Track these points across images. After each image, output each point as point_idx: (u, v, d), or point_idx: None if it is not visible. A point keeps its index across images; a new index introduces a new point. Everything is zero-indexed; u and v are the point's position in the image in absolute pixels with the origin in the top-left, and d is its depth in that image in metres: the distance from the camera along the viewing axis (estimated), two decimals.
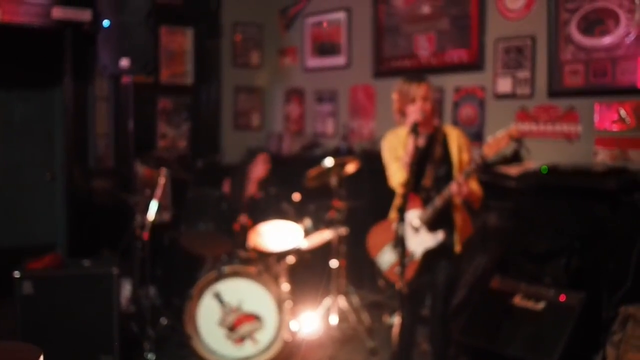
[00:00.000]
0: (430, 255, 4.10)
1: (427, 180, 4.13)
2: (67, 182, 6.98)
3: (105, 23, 6.44)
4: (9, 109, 7.15)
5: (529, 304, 4.58)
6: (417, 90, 4.06)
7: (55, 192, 7.34)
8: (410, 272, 4.08)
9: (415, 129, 3.95)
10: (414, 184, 4.12)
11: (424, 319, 4.55)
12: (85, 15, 6.49)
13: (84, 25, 6.54)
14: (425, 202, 4.08)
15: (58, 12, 6.38)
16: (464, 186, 3.89)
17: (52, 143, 7.34)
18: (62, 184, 7.21)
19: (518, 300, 4.65)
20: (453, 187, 3.91)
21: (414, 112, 4.00)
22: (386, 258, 4.26)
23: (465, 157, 4.13)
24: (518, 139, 3.92)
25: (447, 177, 4.05)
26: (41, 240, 7.14)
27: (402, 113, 4.15)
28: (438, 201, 4.00)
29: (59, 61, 6.79)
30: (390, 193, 4.35)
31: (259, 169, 5.86)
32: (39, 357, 1.86)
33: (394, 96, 4.21)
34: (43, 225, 7.36)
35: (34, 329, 4.66)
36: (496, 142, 3.84)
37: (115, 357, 4.84)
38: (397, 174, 4.18)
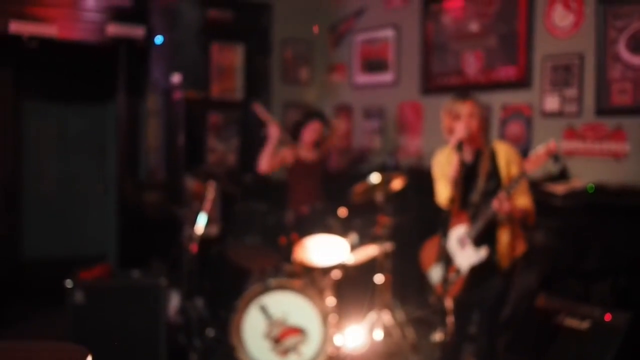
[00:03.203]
0: (477, 271, 4.10)
1: (475, 196, 4.14)
2: (119, 194, 7.11)
3: (158, 40, 6.58)
4: (64, 123, 7.34)
5: (574, 323, 4.53)
6: (462, 108, 4.09)
7: (107, 204, 7.50)
8: (457, 288, 4.10)
9: (459, 147, 3.98)
10: (461, 200, 4.15)
11: (470, 336, 4.55)
12: (138, 32, 6.64)
13: (137, 42, 6.68)
14: (473, 218, 4.09)
15: (112, 29, 6.53)
16: (505, 202, 3.88)
17: (105, 156, 7.51)
18: (113, 196, 7.35)
19: (563, 319, 4.61)
20: (495, 203, 3.91)
21: (459, 130, 4.03)
22: (436, 273, 4.28)
23: (515, 171, 4.09)
24: (557, 155, 3.91)
25: (496, 193, 4.02)
26: (93, 251, 7.30)
27: (451, 131, 4.18)
28: (482, 217, 4.01)
29: (112, 76, 6.93)
30: (437, 209, 4.38)
31: (311, 133, 5.98)
32: (85, 358, 1.89)
33: (442, 115, 4.24)
34: (95, 236, 7.52)
35: (84, 337, 4.74)
36: (536, 158, 3.84)
37: None
38: (443, 191, 4.21)
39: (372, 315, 5.61)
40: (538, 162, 3.84)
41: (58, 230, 7.30)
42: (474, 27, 6.11)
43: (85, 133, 7.44)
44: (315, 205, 5.84)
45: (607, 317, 4.40)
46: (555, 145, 3.86)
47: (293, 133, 6.14)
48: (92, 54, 6.80)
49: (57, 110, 7.27)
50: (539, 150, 3.86)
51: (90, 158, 7.48)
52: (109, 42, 6.62)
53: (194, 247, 5.39)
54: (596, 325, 4.41)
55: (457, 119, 4.09)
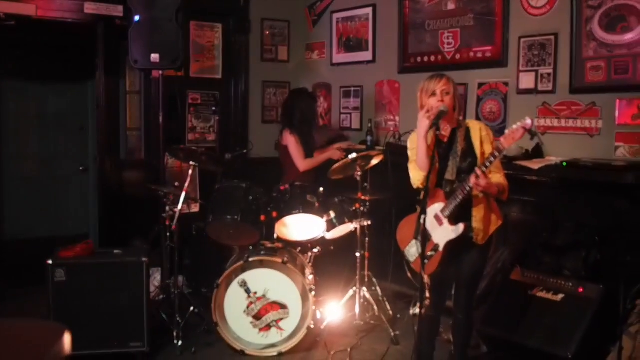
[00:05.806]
0: (454, 247, 4.16)
1: (450, 174, 4.18)
2: (99, 174, 7.10)
3: (136, 18, 6.55)
4: (43, 102, 7.31)
5: (548, 296, 4.64)
6: (437, 85, 4.12)
7: (88, 183, 7.50)
8: (434, 264, 4.15)
9: (442, 114, 4.02)
10: (437, 178, 4.19)
11: (447, 309, 4.62)
12: (117, 10, 6.61)
13: (115, 20, 6.66)
14: (449, 195, 4.14)
15: (91, 7, 6.50)
16: (482, 178, 3.92)
17: (85, 136, 7.50)
18: (94, 175, 7.36)
19: (537, 291, 4.72)
20: (471, 179, 3.95)
21: (435, 104, 4.08)
22: (413, 250, 4.32)
23: (488, 149, 4.13)
24: (533, 131, 3.95)
25: (471, 170, 4.07)
26: (74, 230, 7.29)
27: (425, 110, 4.19)
28: (459, 194, 4.06)
29: (91, 55, 6.90)
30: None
31: None
32: (62, 334, 1.85)
33: (418, 95, 4.26)
34: (76, 216, 7.52)
35: (65, 315, 4.75)
36: (512, 134, 3.87)
37: (144, 344, 4.96)
38: (416, 175, 4.24)
39: (351, 291, 5.69)
40: (513, 137, 3.88)
41: (39, 210, 7.28)
42: (450, 6, 6.16)
43: (64, 112, 7.41)
44: (295, 183, 5.88)
45: (580, 289, 4.51)
46: (531, 122, 3.90)
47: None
48: (71, 32, 6.76)
49: (35, 90, 7.23)
50: (516, 126, 3.89)
51: (70, 138, 7.46)
52: (87, 20, 6.58)
53: (174, 226, 5.41)
54: (569, 298, 4.53)
55: (432, 95, 4.12)
